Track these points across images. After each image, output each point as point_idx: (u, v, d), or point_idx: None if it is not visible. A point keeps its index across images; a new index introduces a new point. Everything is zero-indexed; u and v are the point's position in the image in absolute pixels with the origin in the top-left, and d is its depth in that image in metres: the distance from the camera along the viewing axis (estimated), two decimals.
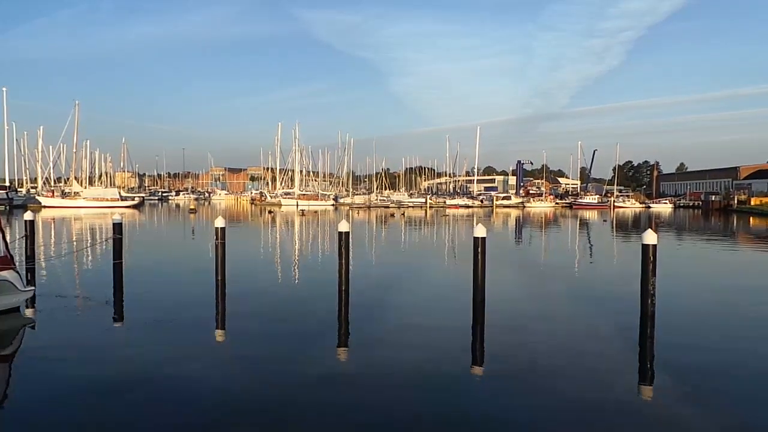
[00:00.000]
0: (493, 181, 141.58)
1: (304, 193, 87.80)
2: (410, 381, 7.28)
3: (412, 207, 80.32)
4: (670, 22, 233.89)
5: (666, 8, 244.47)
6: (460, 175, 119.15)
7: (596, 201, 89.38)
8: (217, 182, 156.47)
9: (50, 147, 76.58)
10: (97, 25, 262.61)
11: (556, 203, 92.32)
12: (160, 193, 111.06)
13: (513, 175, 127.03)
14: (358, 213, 62.90)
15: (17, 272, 10.54)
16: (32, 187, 75.58)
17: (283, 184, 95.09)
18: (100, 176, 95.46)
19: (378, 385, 7.17)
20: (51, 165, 76.04)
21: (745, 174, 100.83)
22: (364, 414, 6.32)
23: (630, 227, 44.75)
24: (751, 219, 56.12)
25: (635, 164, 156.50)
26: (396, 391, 6.93)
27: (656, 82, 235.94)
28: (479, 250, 10.78)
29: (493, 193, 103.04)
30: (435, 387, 7.09)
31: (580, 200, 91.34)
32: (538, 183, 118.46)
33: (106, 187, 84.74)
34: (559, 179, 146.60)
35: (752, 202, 75.02)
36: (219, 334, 9.74)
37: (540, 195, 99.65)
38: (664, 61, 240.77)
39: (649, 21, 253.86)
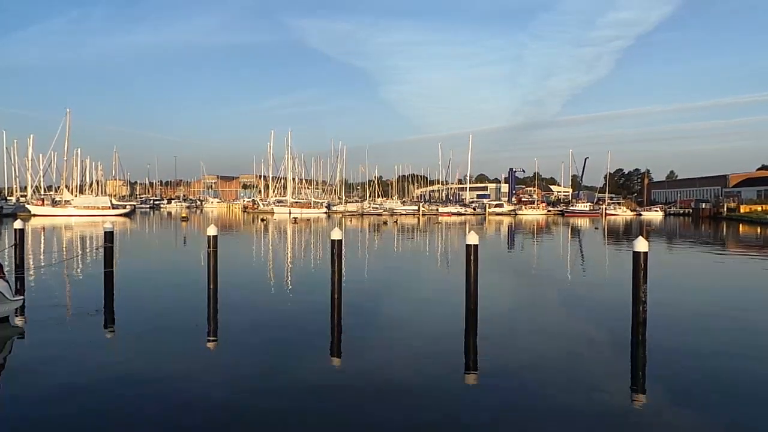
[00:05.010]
0: (485, 188, 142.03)
1: (296, 200, 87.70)
2: (403, 389, 7.27)
3: (405, 214, 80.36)
4: (658, 32, 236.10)
5: (654, 18, 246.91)
6: (452, 183, 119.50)
7: (588, 208, 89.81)
8: (210, 190, 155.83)
9: (41, 155, 76.16)
10: (88, 33, 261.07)
11: (548, 211, 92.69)
12: (151, 202, 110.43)
13: (505, 182, 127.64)
14: (350, 221, 62.87)
15: (6, 281, 10.44)
16: (22, 196, 74.99)
17: (275, 192, 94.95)
18: (91, 184, 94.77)
19: (371, 394, 7.15)
20: (41, 173, 75.61)
21: (735, 182, 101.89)
22: (357, 423, 6.30)
23: (621, 235, 44.99)
24: (740, 226, 56.58)
25: (626, 172, 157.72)
26: (389, 400, 6.92)
27: (646, 90, 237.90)
28: (471, 257, 10.80)
29: (485, 200, 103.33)
30: (428, 395, 7.08)
31: (571, 208, 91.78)
32: (530, 190, 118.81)
33: (97, 195, 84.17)
34: (551, 187, 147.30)
35: (742, 210, 75.67)
36: (211, 344, 9.68)
37: (532, 202, 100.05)
38: (653, 70, 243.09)
39: (638, 31, 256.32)
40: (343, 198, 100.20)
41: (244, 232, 43.68)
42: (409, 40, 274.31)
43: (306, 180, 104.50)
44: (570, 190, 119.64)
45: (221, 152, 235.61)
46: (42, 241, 31.27)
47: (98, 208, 67.32)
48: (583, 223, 64.49)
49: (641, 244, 9.76)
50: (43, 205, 65.69)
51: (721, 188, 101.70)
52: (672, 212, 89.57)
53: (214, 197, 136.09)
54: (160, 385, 7.42)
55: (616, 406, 6.91)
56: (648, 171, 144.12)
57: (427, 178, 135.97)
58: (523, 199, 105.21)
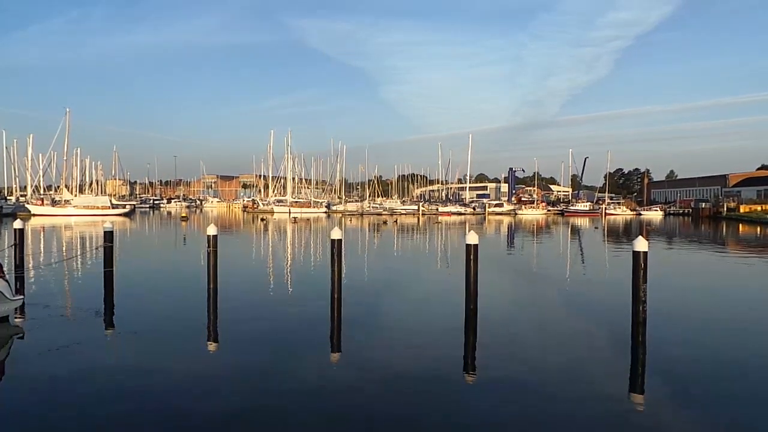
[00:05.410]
0: (485, 188, 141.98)
1: (296, 200, 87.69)
2: (402, 389, 7.26)
3: (405, 214, 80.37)
4: (658, 31, 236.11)
5: (654, 19, 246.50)
6: (452, 183, 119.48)
7: (588, 208, 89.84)
8: (209, 190, 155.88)
9: (40, 155, 76.04)
10: (88, 33, 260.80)
11: (548, 210, 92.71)
12: (151, 201, 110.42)
13: (505, 182, 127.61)
14: (350, 220, 62.87)
15: (6, 281, 10.44)
16: (22, 195, 74.94)
17: (275, 192, 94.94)
18: (91, 184, 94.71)
19: (370, 393, 7.15)
20: (41, 173, 75.53)
21: (734, 181, 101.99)
22: (357, 422, 6.30)
23: (621, 234, 45.00)
24: (740, 226, 56.58)
25: (626, 171, 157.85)
26: (388, 399, 6.92)
27: (645, 90, 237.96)
28: (471, 257, 10.81)
29: (485, 200, 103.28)
30: (427, 395, 7.08)
31: (571, 207, 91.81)
32: (530, 190, 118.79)
33: (97, 195, 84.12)
34: (551, 186, 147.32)
35: (741, 210, 75.69)
36: (211, 343, 9.68)
37: (532, 202, 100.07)
38: (653, 70, 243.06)
39: (638, 31, 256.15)
40: (343, 198, 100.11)
41: (243, 232, 43.68)
42: (409, 40, 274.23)
43: (306, 180, 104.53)
44: (570, 189, 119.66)
45: (221, 152, 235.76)
46: (42, 241, 31.26)
47: (98, 207, 67.29)
48: (582, 222, 64.50)
49: (641, 244, 9.77)
50: (42, 204, 65.63)
51: (720, 188, 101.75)
52: (672, 212, 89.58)
53: (214, 197, 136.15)
54: (160, 383, 7.41)
55: (616, 406, 6.91)
56: (648, 171, 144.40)
57: (427, 177, 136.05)
58: (522, 199, 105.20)
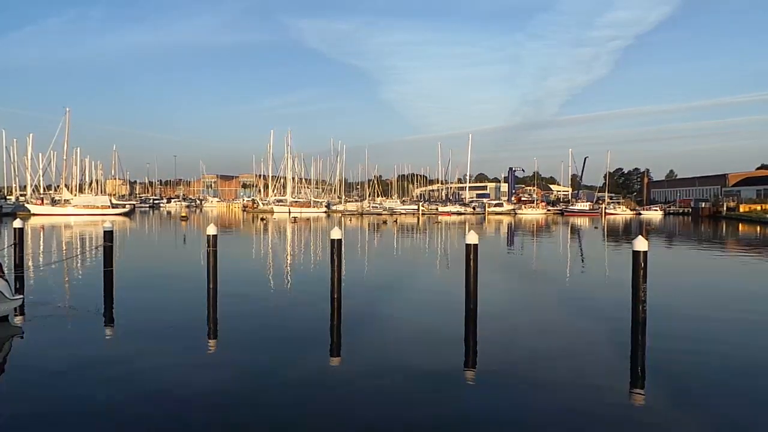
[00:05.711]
0: (485, 188, 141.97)
1: (296, 200, 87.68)
2: (403, 390, 7.26)
3: (405, 214, 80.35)
4: (657, 32, 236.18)
5: (653, 18, 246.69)
6: (452, 183, 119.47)
7: (587, 208, 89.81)
8: (209, 189, 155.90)
9: (40, 154, 76.03)
10: (87, 33, 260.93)
11: (548, 210, 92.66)
12: (151, 201, 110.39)
13: (505, 182, 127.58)
14: (350, 220, 62.86)
15: (6, 280, 10.44)
16: (21, 195, 74.93)
17: (275, 192, 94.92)
18: (91, 183, 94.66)
19: (370, 393, 7.15)
20: (41, 172, 75.52)
21: (734, 181, 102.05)
22: (357, 422, 6.29)
23: (621, 234, 45.00)
24: (740, 225, 56.58)
25: (626, 171, 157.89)
26: (388, 399, 6.92)
27: (645, 90, 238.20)
28: (471, 257, 10.81)
29: (485, 200, 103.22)
30: (427, 395, 7.08)
31: (571, 207, 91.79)
32: (530, 190, 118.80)
33: (97, 194, 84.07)
34: (551, 186, 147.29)
35: (741, 209, 75.72)
36: (211, 343, 9.68)
37: (532, 202, 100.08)
38: (652, 70, 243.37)
39: (637, 30, 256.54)
40: (343, 197, 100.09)
41: (243, 232, 43.67)
42: (409, 40, 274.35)
43: (306, 179, 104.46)
44: (570, 189, 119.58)
45: (221, 152, 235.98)
46: (41, 241, 31.25)
47: (98, 207, 67.27)
48: (582, 222, 64.49)
49: (641, 244, 9.76)
50: (42, 204, 65.63)
51: (720, 187, 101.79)
52: (671, 211, 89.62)
53: (214, 196, 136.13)
54: (159, 384, 7.41)
55: (616, 405, 6.91)
56: (647, 170, 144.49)
57: (426, 177, 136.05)
58: (522, 199, 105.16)
